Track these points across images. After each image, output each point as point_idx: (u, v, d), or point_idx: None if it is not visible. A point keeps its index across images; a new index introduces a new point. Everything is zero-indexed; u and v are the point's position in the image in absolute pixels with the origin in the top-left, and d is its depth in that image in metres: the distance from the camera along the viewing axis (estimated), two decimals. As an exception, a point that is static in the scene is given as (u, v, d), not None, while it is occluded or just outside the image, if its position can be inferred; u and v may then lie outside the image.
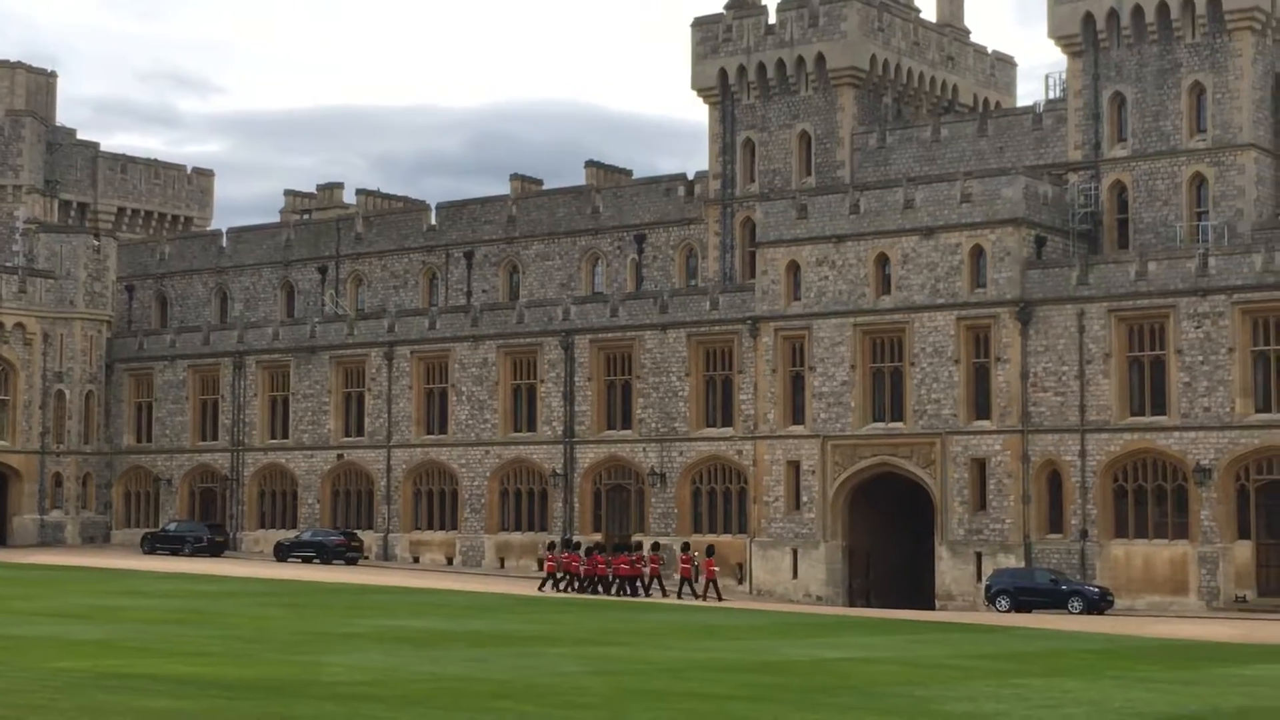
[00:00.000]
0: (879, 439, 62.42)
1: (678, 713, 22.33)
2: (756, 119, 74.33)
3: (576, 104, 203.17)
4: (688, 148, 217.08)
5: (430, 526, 76.22)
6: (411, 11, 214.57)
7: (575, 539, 67.66)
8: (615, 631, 39.21)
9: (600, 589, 59.25)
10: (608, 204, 79.93)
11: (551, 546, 63.87)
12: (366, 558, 75.03)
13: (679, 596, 57.85)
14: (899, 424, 62.08)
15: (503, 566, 72.61)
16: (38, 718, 19.65)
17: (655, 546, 62.96)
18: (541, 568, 64.36)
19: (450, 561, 74.47)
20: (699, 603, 55.77)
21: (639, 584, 59.14)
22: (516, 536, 73.33)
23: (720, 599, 57.34)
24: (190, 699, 22.34)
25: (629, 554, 60.18)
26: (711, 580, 58.23)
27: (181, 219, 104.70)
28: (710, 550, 60.27)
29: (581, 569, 60.11)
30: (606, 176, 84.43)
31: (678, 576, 59.35)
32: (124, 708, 20.94)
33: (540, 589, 59.00)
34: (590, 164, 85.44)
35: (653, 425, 69.83)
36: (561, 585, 59.90)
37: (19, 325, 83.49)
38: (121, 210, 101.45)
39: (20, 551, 77.27)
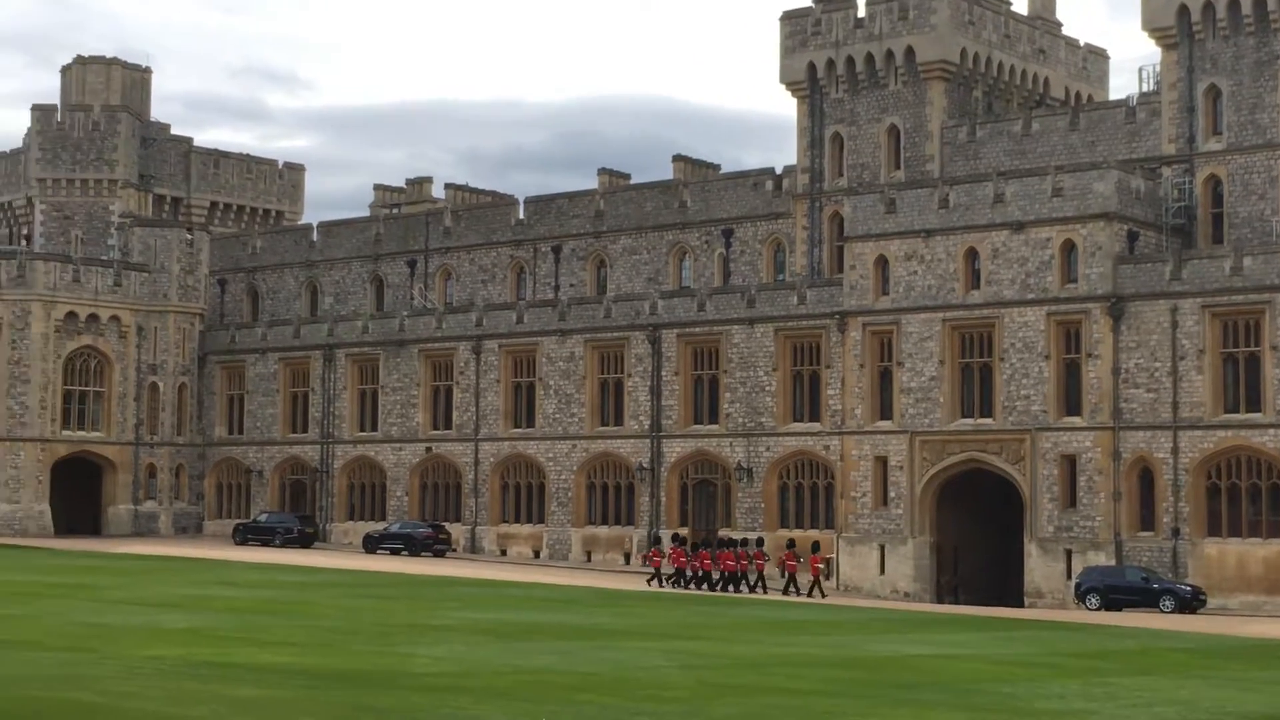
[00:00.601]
0: (967, 435, 61.95)
1: (761, 707, 22.26)
2: (845, 113, 73.98)
3: (663, 98, 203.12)
4: (775, 142, 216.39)
5: (517, 520, 76.51)
6: (497, 6, 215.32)
7: (678, 534, 67.10)
8: (701, 626, 39.17)
9: (705, 585, 59.02)
10: (695, 198, 79.86)
11: (657, 541, 63.74)
12: (454, 550, 75.43)
13: (784, 593, 57.61)
14: (988, 420, 61.57)
15: (589, 560, 72.76)
16: (130, 705, 19.90)
17: (760, 543, 62.63)
18: (631, 561, 64.41)
19: (537, 554, 74.72)
20: (805, 600, 55.46)
21: (743, 580, 58.92)
22: (603, 530, 73.46)
23: (823, 595, 57.16)
24: (279, 688, 22.54)
25: (733, 549, 59.96)
26: (816, 577, 58.09)
27: (273, 213, 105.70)
28: (815, 547, 60.11)
29: (686, 564, 59.87)
30: (694, 171, 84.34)
31: (774, 571, 59.23)
32: (214, 696, 21.16)
33: (649, 584, 58.87)
34: (678, 158, 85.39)
35: (739, 420, 69.70)
36: (669, 581, 59.64)
37: (114, 318, 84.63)
38: (214, 204, 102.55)
39: (115, 541, 78.34)
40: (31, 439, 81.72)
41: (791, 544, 60.99)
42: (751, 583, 58.95)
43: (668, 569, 60.55)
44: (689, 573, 59.58)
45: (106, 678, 22.27)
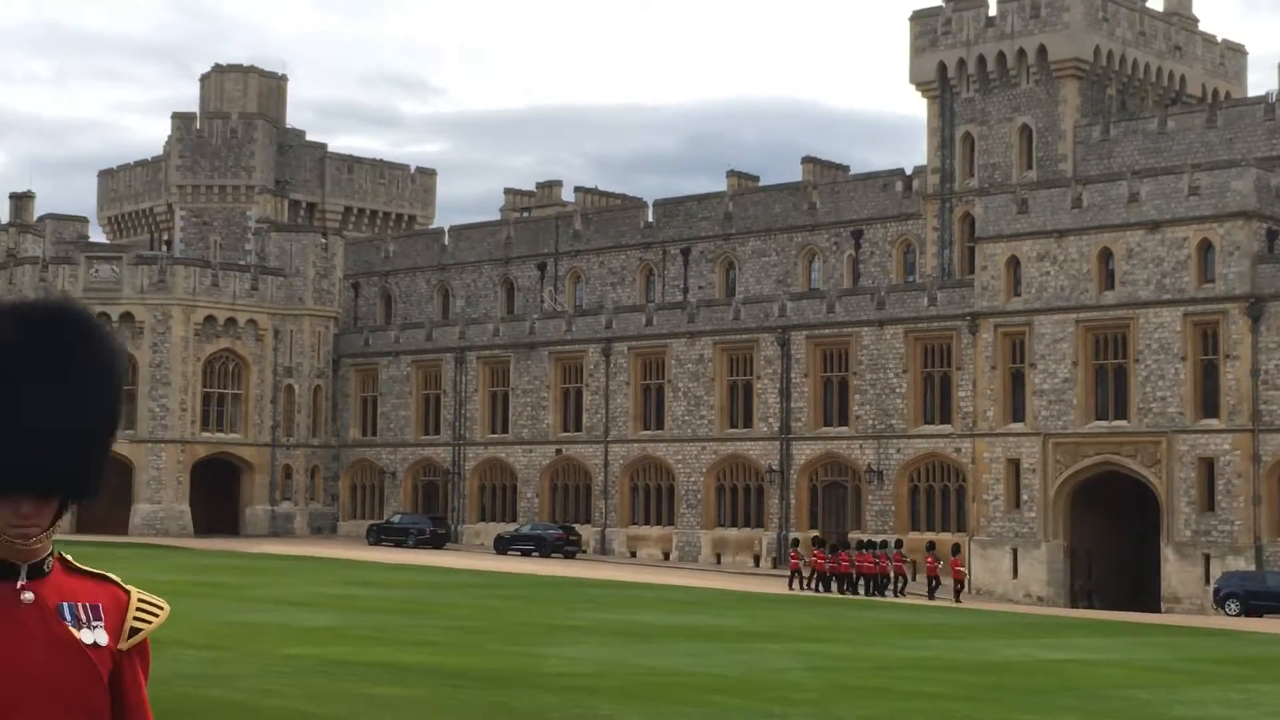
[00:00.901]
0: (1102, 437, 61.16)
1: (892, 711, 22.21)
2: (976, 112, 73.38)
3: (791, 100, 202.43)
4: (904, 143, 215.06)
5: (647, 521, 76.75)
6: (623, 11, 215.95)
7: (819, 537, 66.63)
8: (831, 628, 39.07)
9: (845, 587, 58.65)
10: (824, 200, 79.63)
11: (795, 544, 63.48)
12: (584, 552, 75.82)
13: (930, 597, 57.14)
14: (1122, 422, 60.73)
15: (719, 562, 72.81)
16: (269, 703, 20.30)
17: (898, 544, 62.11)
18: (761, 564, 64.25)
19: (667, 556, 74.90)
20: (944, 603, 54.94)
21: (883, 583, 58.51)
22: (733, 532, 73.47)
23: (959, 600, 56.61)
24: (415, 686, 22.86)
25: (872, 552, 59.52)
26: (959, 580, 57.61)
27: (405, 217, 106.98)
28: (956, 550, 59.64)
29: (826, 567, 59.41)
30: (823, 172, 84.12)
31: (898, 573, 58.78)
32: (351, 694, 21.51)
33: (789, 587, 58.58)
34: (807, 160, 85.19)
35: (869, 422, 69.37)
36: (810, 583, 59.30)
37: (251, 321, 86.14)
38: (348, 209, 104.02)
39: (252, 541, 79.69)
40: (172, 440, 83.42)
41: (931, 546, 60.54)
42: (893, 586, 58.51)
43: (807, 571, 60.12)
44: (829, 575, 59.17)
45: (247, 675, 22.73)
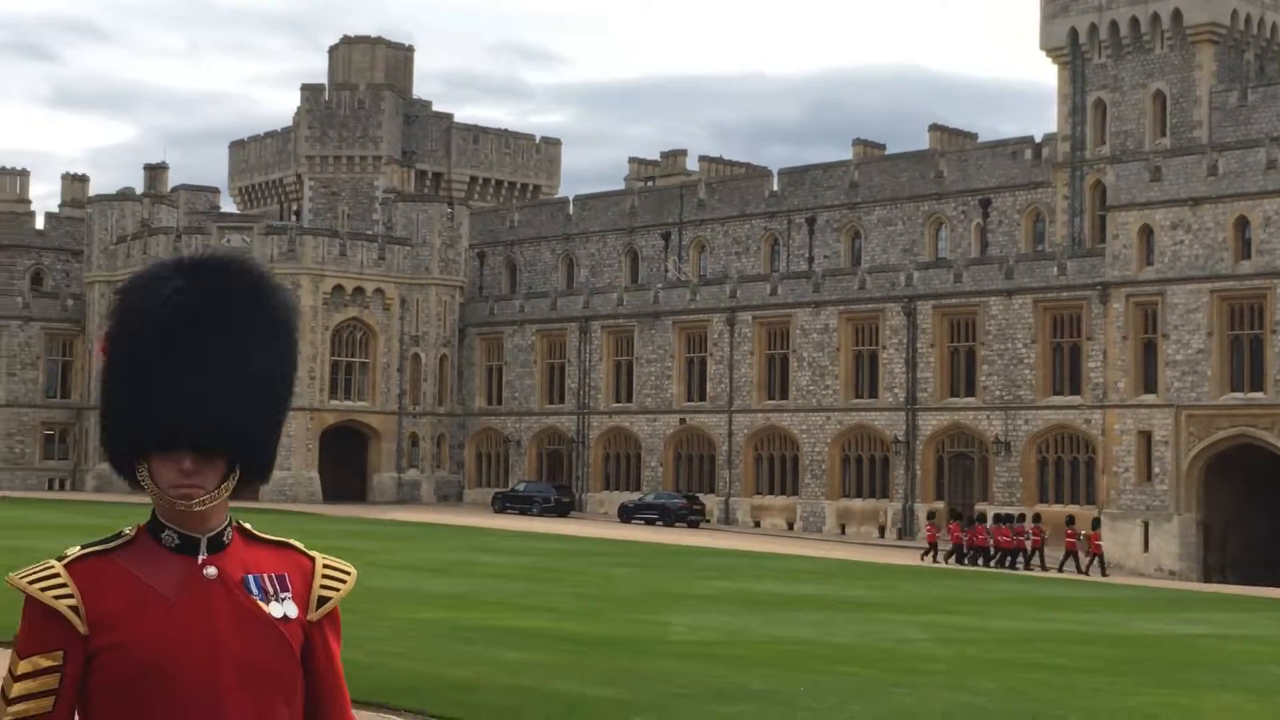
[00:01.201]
0: (1237, 409, 59.94)
1: (1024, 683, 21.91)
2: (1108, 78, 72.08)
3: (915, 68, 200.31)
4: (1033, 110, 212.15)
5: (771, 491, 76.55)
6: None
7: (956, 509, 65.45)
8: (959, 600, 38.71)
9: (981, 560, 57.84)
10: (952, 168, 78.73)
11: (931, 516, 62.81)
12: (708, 521, 75.81)
13: (1062, 569, 56.34)
14: (1259, 394, 59.46)
15: (843, 533, 72.44)
16: (399, 664, 20.47)
17: (1037, 518, 61.11)
18: (886, 535, 63.77)
19: (791, 526, 74.69)
20: (1082, 578, 54.13)
21: (1020, 556, 57.65)
22: (858, 503, 73.05)
23: (1105, 574, 55.73)
24: (541, 651, 22.94)
25: (1010, 525, 58.67)
26: (1098, 555, 56.71)
27: (530, 187, 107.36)
28: (1096, 523, 58.72)
29: (962, 539, 58.56)
30: (950, 140, 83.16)
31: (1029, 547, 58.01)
32: (478, 658, 21.63)
33: (923, 559, 57.94)
34: (934, 128, 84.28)
35: (997, 393, 68.58)
36: (946, 557, 58.39)
37: (378, 291, 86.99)
38: (473, 179, 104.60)
39: (380, 508, 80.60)
40: (301, 408, 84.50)
41: (1071, 520, 59.60)
42: (1030, 559, 57.67)
43: (946, 546, 59.20)
44: (965, 548, 58.31)
45: (377, 639, 22.92)
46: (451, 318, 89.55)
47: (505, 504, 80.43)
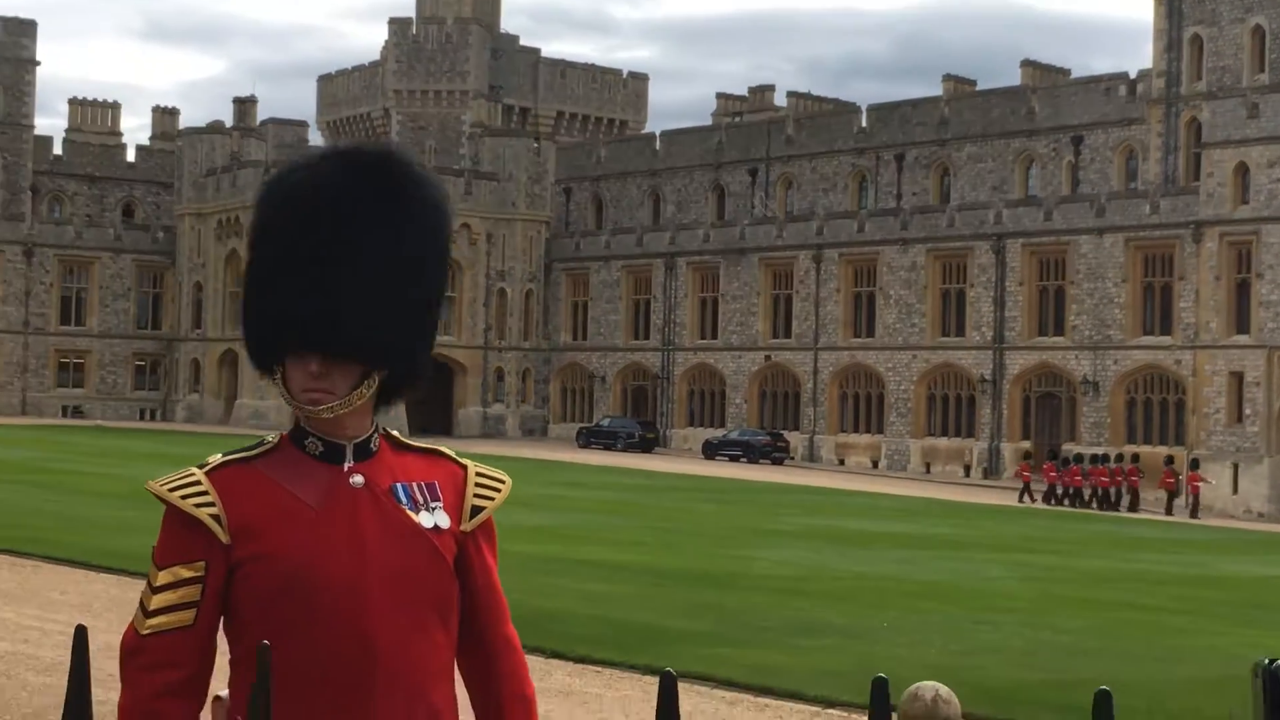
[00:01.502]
0: (1331, 351, 59.00)
1: (1107, 622, 21.83)
2: (1205, 13, 70.79)
3: (1007, 3, 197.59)
4: (1127, 45, 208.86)
5: (855, 429, 76.36)
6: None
7: (1054, 449, 64.53)
8: (1044, 540, 38.55)
9: (1076, 501, 57.22)
10: (1043, 105, 77.74)
11: (1027, 456, 62.19)
12: (792, 458, 75.80)
13: (1168, 512, 55.76)
14: (1354, 335, 58.52)
15: (928, 471, 72.19)
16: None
17: (1135, 458, 60.41)
18: (972, 474, 63.46)
19: (875, 465, 74.53)
20: (1175, 519, 53.57)
21: (1116, 496, 57.02)
22: (943, 442, 72.75)
23: (1195, 515, 55.08)
24: (625, 584, 23.12)
25: (1106, 465, 58.06)
26: (1196, 495, 56.06)
27: (617, 122, 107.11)
28: (1195, 464, 58.03)
29: (1058, 479, 57.79)
30: (1042, 76, 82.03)
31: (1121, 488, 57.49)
32: (564, 590, 21.83)
33: (1020, 500, 57.33)
34: (1026, 63, 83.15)
35: (1086, 332, 67.93)
36: (1043, 497, 57.68)
37: (465, 226, 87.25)
38: (560, 114, 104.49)
39: (465, 442, 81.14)
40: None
41: (1170, 460, 58.91)
42: (1125, 500, 57.05)
43: (1042, 486, 58.43)
44: (1060, 489, 57.69)
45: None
46: (537, 253, 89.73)
47: (590, 439, 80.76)
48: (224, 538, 3.33)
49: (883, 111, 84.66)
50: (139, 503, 33.34)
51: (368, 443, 3.51)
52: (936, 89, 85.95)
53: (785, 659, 16.81)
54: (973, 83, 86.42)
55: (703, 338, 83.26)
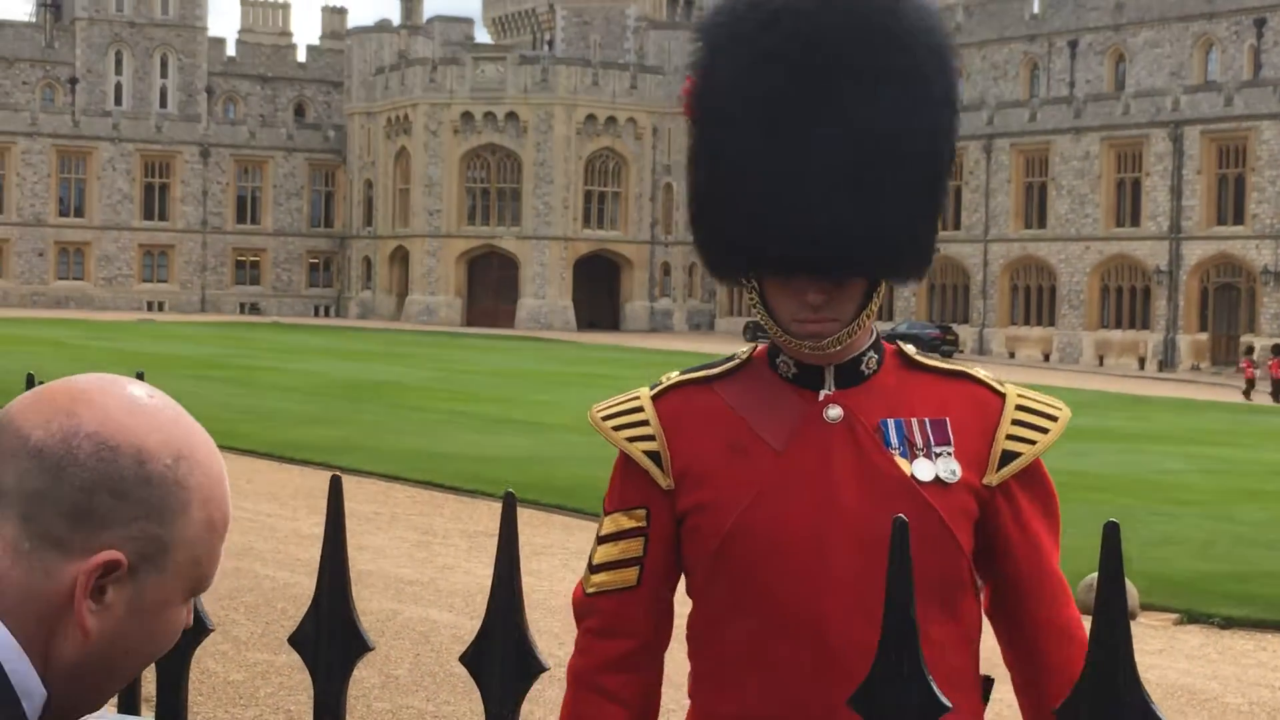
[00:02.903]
0: None
1: (1291, 515, 21.36)
2: (1398, -114, 67.87)
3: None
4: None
5: (1027, 322, 75.33)
6: None
7: (1273, 345, 62.28)
8: (1227, 432, 37.77)
9: None
10: (1224, -14, 75.23)
11: (1249, 351, 60.33)
12: (961, 352, 75.02)
13: None
14: None
15: (1101, 364, 71.05)
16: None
17: None
18: (1146, 366, 62.21)
19: (1046, 358, 73.51)
20: None
21: None
22: (1116, 334, 71.49)
23: None
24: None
25: None
26: None
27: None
28: None
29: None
30: (1224, -44, 79.29)
31: None
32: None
33: (1245, 396, 55.20)
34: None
35: (1267, 221, 66.06)
36: (1270, 394, 55.19)
37: (630, 120, 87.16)
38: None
39: (632, 336, 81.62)
40: (555, 238, 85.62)
41: None
42: None
43: (1267, 385, 56.08)
44: None
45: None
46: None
47: (757, 333, 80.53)
48: (664, 481, 2.60)
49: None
50: (319, 397, 34.06)
51: (858, 363, 2.61)
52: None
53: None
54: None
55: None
